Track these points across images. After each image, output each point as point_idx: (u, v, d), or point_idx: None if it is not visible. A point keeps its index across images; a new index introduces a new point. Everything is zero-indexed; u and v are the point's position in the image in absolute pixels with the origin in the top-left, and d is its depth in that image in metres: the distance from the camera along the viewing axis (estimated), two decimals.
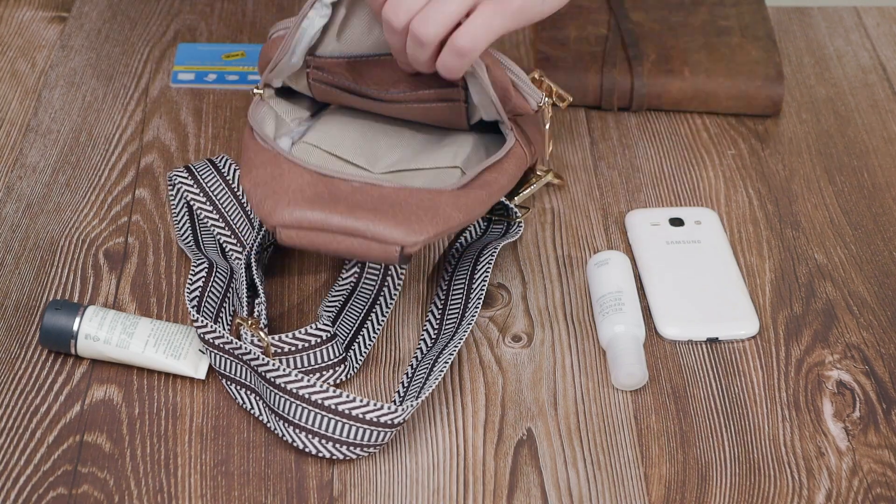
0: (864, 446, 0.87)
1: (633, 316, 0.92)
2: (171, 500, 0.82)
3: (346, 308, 0.94)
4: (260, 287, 0.90)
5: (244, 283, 0.91)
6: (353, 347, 0.91)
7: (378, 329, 0.93)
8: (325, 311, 0.93)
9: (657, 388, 0.90)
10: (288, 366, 0.88)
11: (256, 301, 0.89)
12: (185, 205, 0.99)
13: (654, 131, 1.13)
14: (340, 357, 0.89)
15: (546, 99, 0.98)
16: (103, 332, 0.89)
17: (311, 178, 0.89)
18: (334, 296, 0.94)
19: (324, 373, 0.89)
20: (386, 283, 0.95)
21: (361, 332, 0.92)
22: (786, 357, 0.93)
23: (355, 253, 0.86)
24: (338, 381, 0.89)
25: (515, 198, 1.03)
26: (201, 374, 0.89)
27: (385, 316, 0.94)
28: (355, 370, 0.90)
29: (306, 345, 0.88)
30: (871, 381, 0.91)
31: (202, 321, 0.87)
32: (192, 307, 0.89)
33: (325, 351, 0.88)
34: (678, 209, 1.03)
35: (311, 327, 0.88)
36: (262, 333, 0.86)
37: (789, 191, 1.07)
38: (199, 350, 0.89)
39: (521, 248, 1.01)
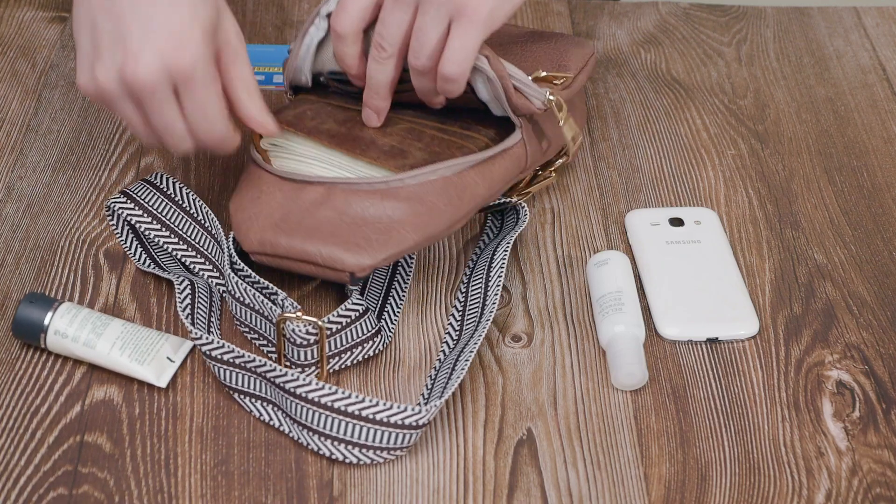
0: (863, 446, 0.87)
1: (633, 316, 0.92)
2: (171, 500, 0.82)
3: (370, 279, 0.96)
4: (270, 283, 0.92)
5: (248, 287, 0.91)
6: (384, 317, 0.93)
7: (403, 296, 0.95)
8: (352, 286, 0.94)
9: (657, 388, 0.90)
10: (333, 347, 0.89)
11: (281, 297, 0.90)
12: (129, 228, 0.98)
13: (654, 131, 1.13)
14: (376, 329, 0.90)
15: (550, 96, 0.96)
16: (72, 329, 0.89)
17: (283, 198, 0.92)
18: None
19: (364, 346, 0.90)
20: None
21: (389, 301, 0.94)
22: (785, 357, 0.93)
23: (313, 275, 0.91)
24: (376, 352, 0.91)
25: (515, 197, 1.03)
26: (163, 382, 0.88)
27: (407, 282, 0.96)
28: (389, 339, 0.92)
29: (348, 321, 0.89)
30: (870, 381, 0.91)
31: (207, 338, 0.86)
32: (190, 324, 0.89)
33: (361, 325, 0.89)
34: (678, 209, 1.04)
35: (348, 304, 0.89)
36: (316, 320, 0.87)
37: (789, 191, 1.07)
38: (168, 358, 0.89)
39: (521, 248, 1.01)
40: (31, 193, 1.05)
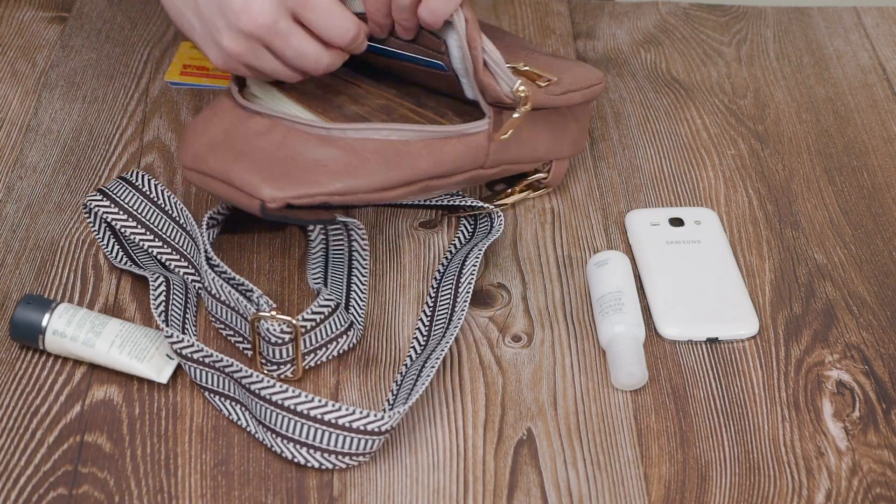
0: (863, 446, 0.87)
1: (633, 316, 0.92)
2: (171, 500, 0.82)
3: (329, 272, 0.96)
4: (246, 280, 0.92)
5: (224, 284, 0.91)
6: (351, 311, 0.93)
7: (364, 286, 0.95)
8: (313, 280, 0.95)
9: (657, 388, 0.90)
10: (308, 344, 0.88)
11: (256, 295, 0.90)
12: (106, 226, 0.98)
13: (654, 131, 1.13)
14: (348, 323, 0.91)
15: (521, 86, 0.92)
16: (71, 329, 0.89)
17: (230, 123, 0.94)
18: (314, 262, 0.96)
19: (339, 340, 0.90)
20: (353, 238, 0.96)
21: (352, 295, 0.94)
22: (785, 357, 0.93)
23: (230, 199, 0.91)
24: (350, 346, 0.91)
25: (497, 201, 1.03)
26: (164, 378, 0.89)
27: (365, 269, 0.96)
28: (361, 332, 0.92)
29: (321, 317, 0.89)
30: (870, 381, 0.91)
31: (178, 336, 0.86)
32: (162, 321, 0.89)
33: (334, 321, 0.90)
34: (678, 209, 1.04)
35: (321, 300, 0.89)
36: (290, 318, 0.87)
37: (789, 191, 1.07)
38: (167, 355, 0.89)
39: (521, 248, 1.01)
40: (31, 193, 1.05)
